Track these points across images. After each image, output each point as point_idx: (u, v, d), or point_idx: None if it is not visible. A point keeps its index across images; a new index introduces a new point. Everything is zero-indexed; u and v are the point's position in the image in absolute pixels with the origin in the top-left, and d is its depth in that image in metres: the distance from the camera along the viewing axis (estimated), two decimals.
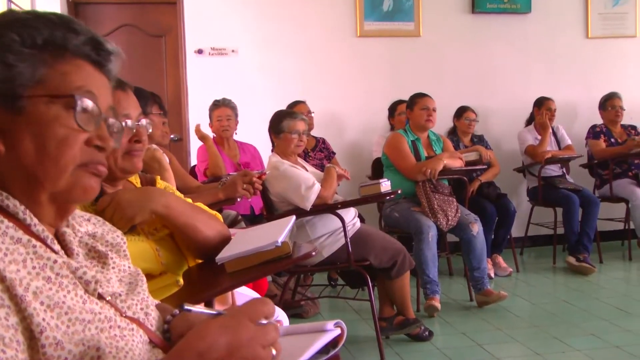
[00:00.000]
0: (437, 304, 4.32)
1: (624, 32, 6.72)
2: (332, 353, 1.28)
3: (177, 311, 1.27)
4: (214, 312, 1.03)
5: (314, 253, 2.05)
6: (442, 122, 5.67)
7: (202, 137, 4.84)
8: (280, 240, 1.89)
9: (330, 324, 1.25)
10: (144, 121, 1.85)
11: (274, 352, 0.96)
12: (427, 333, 3.94)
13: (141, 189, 1.96)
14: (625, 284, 5.41)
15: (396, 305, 3.93)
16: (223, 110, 5.02)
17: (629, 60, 6.74)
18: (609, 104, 6.11)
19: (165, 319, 1.26)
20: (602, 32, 6.66)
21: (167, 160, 3.14)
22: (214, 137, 5.02)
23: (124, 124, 1.47)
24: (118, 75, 1.18)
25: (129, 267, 1.27)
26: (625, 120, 6.23)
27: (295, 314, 4.25)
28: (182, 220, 1.86)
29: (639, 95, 6.59)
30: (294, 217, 2.21)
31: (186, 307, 1.03)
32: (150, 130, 1.89)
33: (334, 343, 1.28)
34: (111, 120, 1.14)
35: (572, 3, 6.59)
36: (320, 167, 5.19)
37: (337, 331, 1.26)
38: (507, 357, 3.65)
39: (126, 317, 1.13)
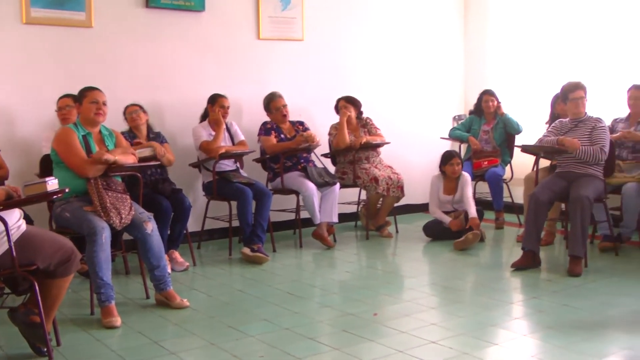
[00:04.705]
0: (116, 321, 4.12)
1: (292, 36, 7.14)
2: None
3: None
4: None
5: None
6: (118, 118, 5.57)
7: None
8: None
9: None
10: None
11: None
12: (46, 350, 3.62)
13: None
14: (297, 269, 5.75)
15: (44, 306, 3.56)
16: None
17: (297, 61, 7.18)
18: (273, 105, 6.45)
19: None
20: (271, 34, 7.00)
21: None
22: None
23: None
24: None
25: None
26: (294, 117, 6.63)
27: None
28: None
29: (304, 94, 7.08)
30: None
31: None
32: None
33: None
34: None
35: (244, 5, 6.83)
36: None
37: None
38: (183, 351, 3.66)
39: None
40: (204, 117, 6.24)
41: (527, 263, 5.34)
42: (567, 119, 5.68)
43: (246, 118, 6.77)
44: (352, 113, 6.78)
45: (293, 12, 7.12)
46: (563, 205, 6.05)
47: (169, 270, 5.06)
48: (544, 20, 7.70)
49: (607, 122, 5.83)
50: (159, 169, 5.62)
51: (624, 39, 6.94)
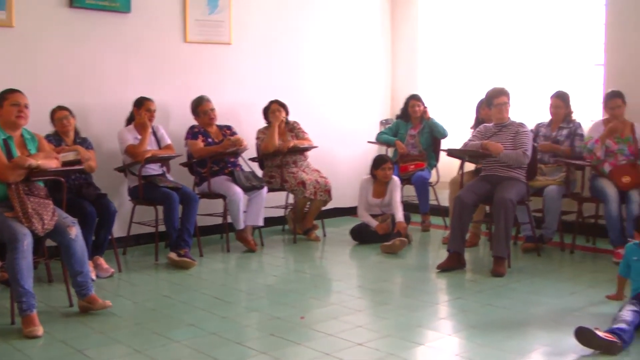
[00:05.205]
0: (37, 331, 3.97)
1: (219, 39, 7.08)
2: None
3: None
4: None
5: None
6: (41, 120, 5.41)
7: None
8: None
9: None
10: None
11: None
12: None
13: None
14: (224, 274, 5.72)
15: None
16: None
17: (224, 65, 7.13)
18: (201, 109, 6.40)
19: None
20: (199, 38, 6.93)
21: None
22: None
23: None
24: None
25: None
26: (222, 120, 6.59)
27: None
28: None
29: (231, 98, 7.05)
30: None
31: None
32: None
33: None
34: None
35: (171, 7, 6.74)
36: None
37: None
38: None
39: None
40: (130, 120, 6.13)
41: (453, 264, 5.44)
42: (492, 124, 5.83)
43: (173, 122, 6.68)
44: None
45: (221, 16, 7.07)
46: (487, 208, 6.19)
47: (94, 277, 4.97)
48: (470, 27, 7.88)
49: (531, 126, 6.01)
50: (83, 174, 5.49)
51: (547, 47, 7.17)
